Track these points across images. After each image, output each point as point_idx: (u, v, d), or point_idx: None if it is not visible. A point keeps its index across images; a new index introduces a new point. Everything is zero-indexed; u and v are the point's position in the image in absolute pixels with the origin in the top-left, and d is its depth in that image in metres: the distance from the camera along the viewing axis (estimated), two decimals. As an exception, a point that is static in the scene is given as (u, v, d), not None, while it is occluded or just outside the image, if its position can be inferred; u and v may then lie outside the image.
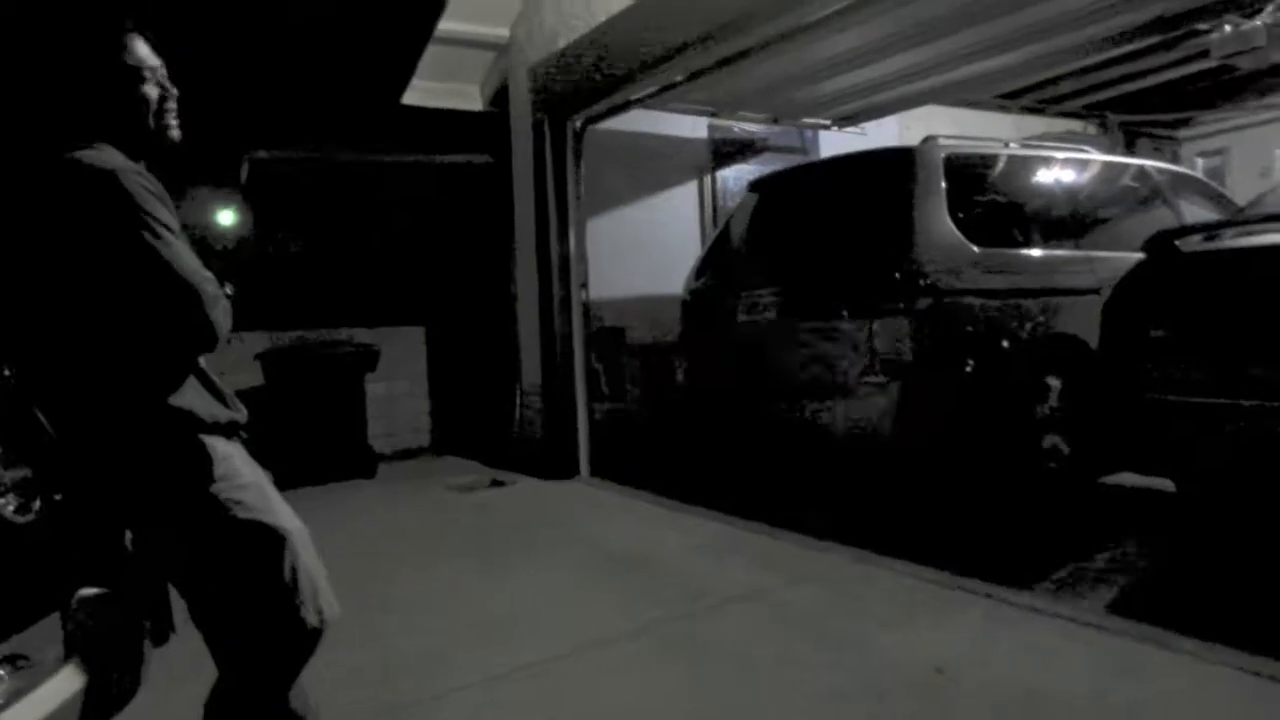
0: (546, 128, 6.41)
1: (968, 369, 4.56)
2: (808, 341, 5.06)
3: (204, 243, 2.24)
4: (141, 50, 1.95)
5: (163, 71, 1.98)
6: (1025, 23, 5.23)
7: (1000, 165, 5.22)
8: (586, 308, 6.53)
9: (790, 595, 3.70)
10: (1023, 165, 5.34)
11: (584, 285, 6.48)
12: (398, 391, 7.76)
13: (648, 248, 7.08)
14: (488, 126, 7.55)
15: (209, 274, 1.84)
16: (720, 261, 5.98)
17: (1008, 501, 4.46)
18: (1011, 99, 8.32)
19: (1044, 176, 5.35)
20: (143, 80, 1.92)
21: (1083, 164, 5.57)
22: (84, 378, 1.83)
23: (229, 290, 1.96)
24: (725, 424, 5.83)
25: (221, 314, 1.83)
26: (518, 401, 7.20)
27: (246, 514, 1.84)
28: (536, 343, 6.68)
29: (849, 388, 4.79)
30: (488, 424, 7.69)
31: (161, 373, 1.83)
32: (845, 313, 4.81)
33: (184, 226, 2.08)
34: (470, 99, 7.59)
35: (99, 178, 1.75)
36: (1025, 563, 3.87)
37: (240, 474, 1.87)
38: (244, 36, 7.06)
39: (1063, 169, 5.43)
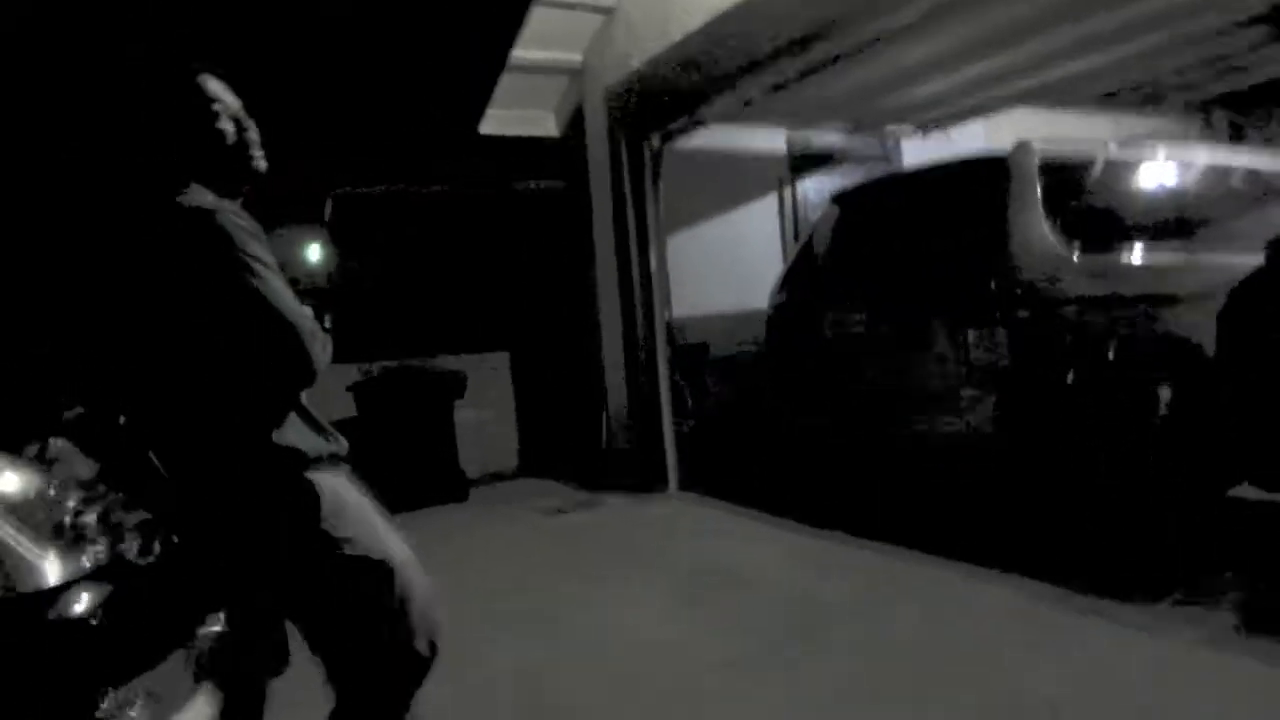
0: (624, 148, 6.43)
1: (1068, 379, 4.38)
2: (900, 354, 4.94)
3: (292, 280, 2.28)
4: (213, 88, 1.99)
5: (238, 107, 2.03)
6: (1123, 20, 5.03)
7: (1098, 167, 5.01)
8: (669, 325, 6.51)
9: (895, 615, 3.60)
10: (1123, 167, 5.11)
11: (666, 303, 6.46)
12: (486, 416, 7.84)
13: (728, 263, 7.03)
14: (564, 151, 7.61)
15: (306, 309, 1.87)
16: (804, 275, 5.90)
17: (1117, 516, 4.26)
18: (1107, 97, 8.01)
19: (1146, 177, 5.12)
20: (217, 116, 1.97)
21: (1188, 164, 5.32)
22: (192, 419, 1.87)
23: (327, 324, 1.98)
24: (812, 436, 5.74)
25: (320, 348, 1.86)
26: (604, 420, 7.20)
27: (354, 550, 1.86)
28: (621, 361, 6.68)
29: (945, 400, 4.66)
30: (576, 444, 7.70)
31: (266, 409, 1.86)
32: (939, 324, 4.69)
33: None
34: (546, 125, 7.65)
35: (197, 218, 1.79)
36: (1141, 580, 3.69)
37: (348, 507, 1.90)
38: (323, 76, 7.27)
39: (1165, 169, 5.20)
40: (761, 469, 6.40)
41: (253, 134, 2.04)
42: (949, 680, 2.98)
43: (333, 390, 6.70)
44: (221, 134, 1.97)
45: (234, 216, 1.82)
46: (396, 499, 6.87)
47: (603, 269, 6.92)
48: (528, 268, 8.34)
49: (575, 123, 7.38)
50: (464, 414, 7.31)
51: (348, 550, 1.86)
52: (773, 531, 5.08)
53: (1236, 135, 9.31)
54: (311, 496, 1.84)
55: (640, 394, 6.49)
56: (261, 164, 2.06)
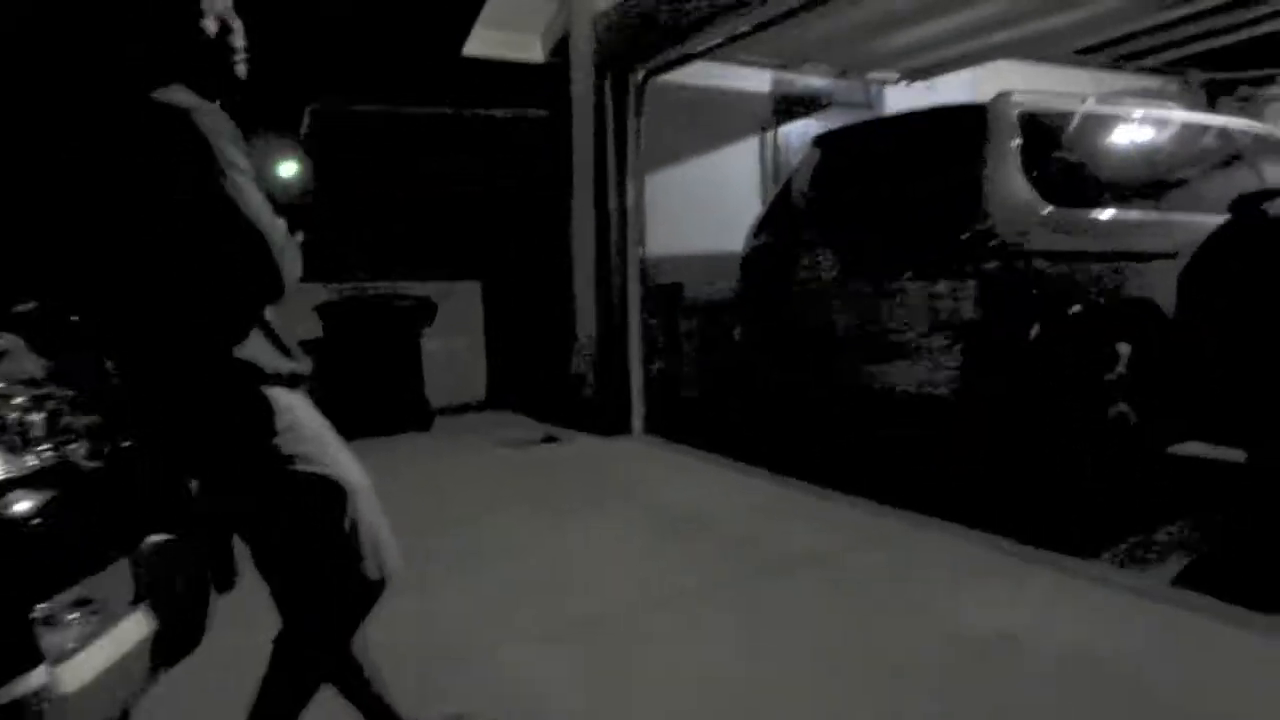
0: (608, 79, 6.32)
1: (1034, 332, 4.43)
2: (871, 301, 4.96)
3: (264, 194, 2.24)
4: None
5: (225, 4, 1.95)
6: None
7: (1076, 122, 5.00)
8: (643, 264, 6.47)
9: (854, 560, 3.66)
10: (1100, 123, 5.11)
11: (641, 241, 6.42)
12: (454, 346, 7.81)
13: (707, 204, 6.98)
14: (549, 78, 7.47)
15: (280, 221, 1.83)
16: (781, 219, 5.87)
17: (1074, 469, 4.35)
18: (1088, 54, 7.97)
19: (1122, 135, 5.13)
20: (201, 14, 1.90)
21: (1163, 122, 5.33)
22: (151, 324, 1.84)
23: (299, 238, 1.95)
24: (782, 383, 5.77)
25: (290, 263, 1.82)
26: (573, 357, 7.19)
27: (308, 467, 1.85)
28: (592, 298, 6.65)
29: (912, 349, 4.70)
30: (544, 379, 7.71)
31: (228, 321, 1.83)
32: (911, 273, 4.70)
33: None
34: (532, 49, 7.50)
35: (173, 116, 1.74)
36: (1091, 531, 3.78)
37: (303, 426, 1.88)
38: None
39: (1142, 127, 5.21)
40: (729, 414, 6.44)
41: (237, 37, 1.97)
42: (903, 615, 3.06)
43: (300, 309, 6.63)
44: (201, 31, 1.90)
45: (212, 116, 1.77)
46: (358, 424, 6.85)
47: (579, 202, 6.85)
48: (505, 197, 8.25)
49: (561, 49, 7.24)
50: (432, 342, 7.27)
51: (299, 467, 1.84)
52: (736, 478, 5.13)
53: (1212, 98, 9.33)
54: (266, 411, 1.81)
55: (610, 331, 6.48)
56: (242, 69, 1.99)
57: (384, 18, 6.94)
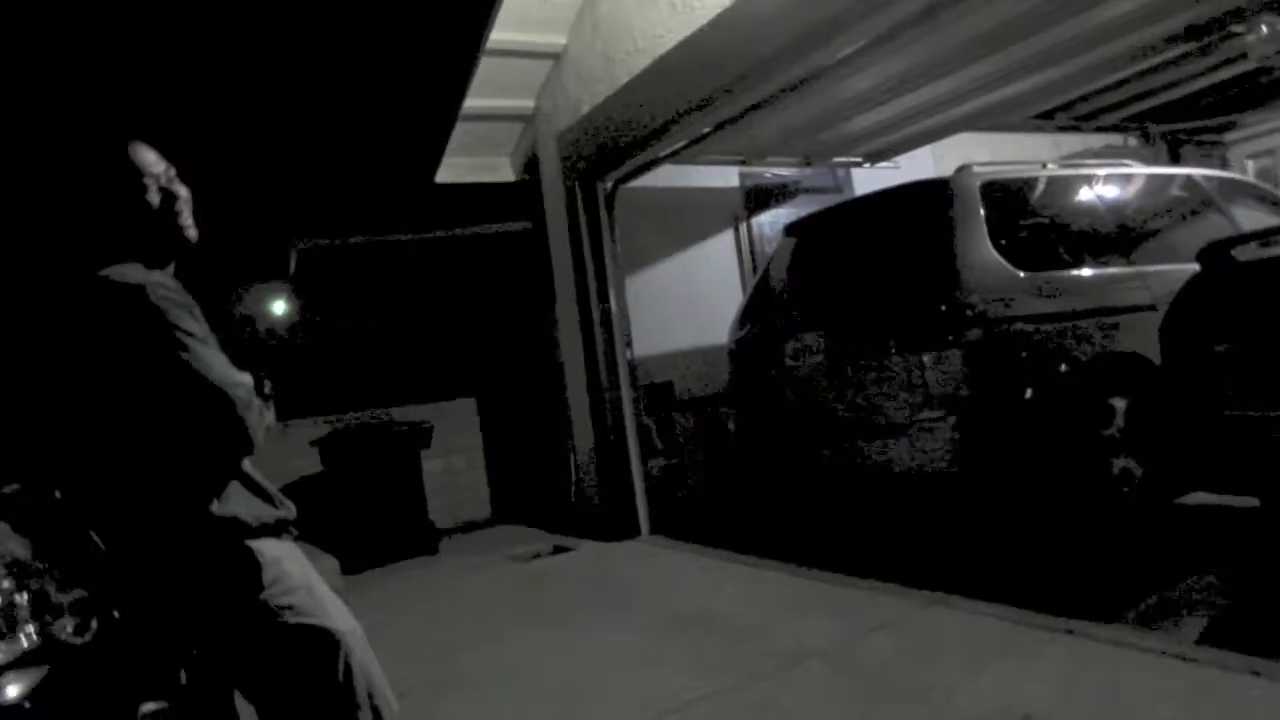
0: (578, 191, 6.47)
1: (1026, 396, 4.43)
2: (859, 382, 4.97)
3: (255, 336, 2.28)
4: (143, 158, 1.97)
5: (170, 174, 2.01)
6: (1052, 43, 5.17)
7: (1040, 187, 5.12)
8: (633, 365, 6.50)
9: (865, 647, 3.57)
10: (1063, 185, 5.22)
11: (628, 343, 6.47)
12: (455, 465, 7.80)
13: (689, 300, 7.06)
14: (523, 194, 7.66)
15: (242, 378, 1.86)
16: (763, 308, 5.93)
17: (1082, 530, 4.29)
18: (1046, 118, 8.20)
19: (1086, 194, 5.23)
20: (144, 189, 1.95)
21: (1126, 178, 5.45)
22: (130, 493, 1.85)
23: (268, 389, 1.98)
24: (781, 471, 5.74)
25: (257, 416, 1.84)
26: (572, 465, 7.17)
27: (297, 618, 1.85)
28: (585, 404, 6.67)
29: (905, 426, 4.69)
30: (546, 490, 7.68)
31: (204, 481, 1.84)
32: (895, 349, 4.72)
33: (240, 320, 2.11)
34: (502, 171, 7.71)
35: (126, 294, 1.78)
36: (1106, 594, 3.71)
37: (290, 577, 1.89)
38: (280, 132, 7.30)
39: (1105, 185, 5.31)
40: (732, 506, 6.38)
41: (183, 203, 2.02)
42: (920, 704, 2.97)
43: (297, 445, 6.64)
44: (148, 205, 1.95)
45: (164, 290, 1.82)
46: (363, 555, 6.84)
47: (563, 311, 6.94)
48: (490, 313, 8.35)
49: (530, 167, 7.44)
50: (432, 463, 7.27)
51: (290, 619, 1.84)
52: (743, 571, 5.05)
53: (1174, 149, 9.55)
54: (252, 565, 1.83)
55: (607, 436, 6.47)
56: (192, 233, 2.04)
57: (358, 157, 7.16)
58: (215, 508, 1.82)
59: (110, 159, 1.96)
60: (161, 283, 1.83)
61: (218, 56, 6.94)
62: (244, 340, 2.19)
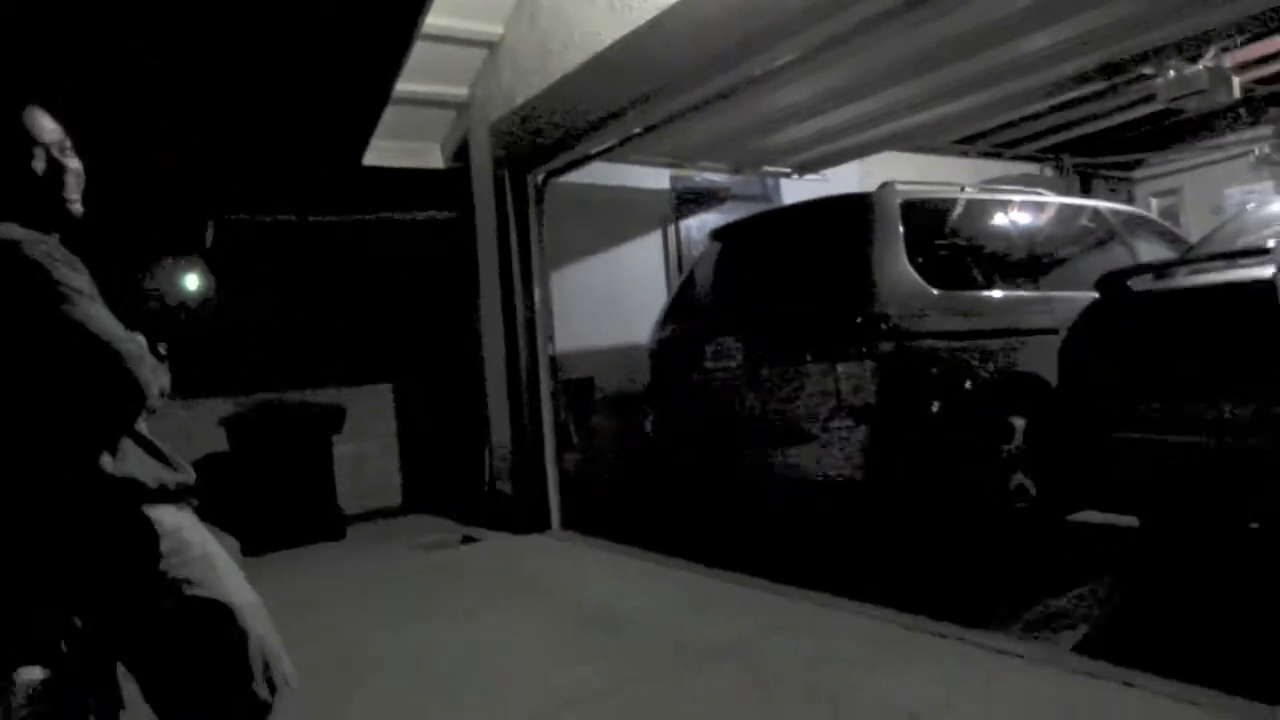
0: (508, 183, 6.44)
1: (933, 410, 4.57)
2: (774, 388, 5.06)
3: (168, 309, 2.24)
4: (37, 123, 1.92)
5: (64, 144, 1.96)
6: (973, 71, 5.35)
7: (957, 209, 5.28)
8: (554, 360, 6.50)
9: (765, 647, 3.63)
10: (979, 208, 5.41)
11: (550, 338, 6.46)
12: (367, 450, 7.69)
13: (614, 298, 7.09)
14: (451, 183, 7.59)
15: (133, 334, 1.83)
16: (686, 310, 5.99)
17: (978, 542, 4.45)
18: (968, 143, 8.47)
19: (1000, 219, 5.42)
20: (30, 155, 1.89)
21: (1038, 206, 5.66)
22: (17, 451, 1.79)
23: (162, 349, 1.94)
24: (694, 472, 5.80)
25: (149, 371, 1.80)
26: (487, 456, 7.13)
27: (194, 590, 1.82)
28: (504, 397, 6.64)
29: (816, 433, 4.79)
30: (458, 480, 7.61)
31: (95, 437, 1.79)
32: (810, 358, 4.82)
33: (151, 293, 2.07)
34: (432, 157, 7.63)
35: (2, 249, 1.74)
36: (995, 604, 3.85)
37: (189, 547, 1.85)
38: (206, 103, 7.10)
39: (1019, 211, 5.51)
40: (645, 505, 6.42)
41: (72, 175, 1.96)
42: (817, 702, 3.04)
43: (205, 423, 6.46)
44: (30, 170, 1.89)
45: (44, 245, 1.77)
46: (268, 538, 6.70)
47: (487, 302, 6.90)
48: (415, 299, 8.25)
49: (461, 155, 7.37)
50: (345, 448, 7.15)
51: (186, 590, 1.81)
52: (652, 569, 5.09)
53: (1085, 182, 9.96)
54: (150, 534, 1.78)
55: (523, 430, 6.46)
56: (76, 208, 1.98)
57: (284, 133, 7.01)
58: (110, 466, 1.77)
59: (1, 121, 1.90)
60: (41, 239, 1.78)
61: (135, 23, 6.74)
62: (148, 311, 2.15)
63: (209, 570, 1.86)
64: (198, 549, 1.86)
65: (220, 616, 1.83)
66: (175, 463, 1.92)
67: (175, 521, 1.84)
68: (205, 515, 2.02)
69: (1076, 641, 3.46)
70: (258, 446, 6.56)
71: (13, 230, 1.78)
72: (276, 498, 6.51)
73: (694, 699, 3.19)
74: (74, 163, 1.97)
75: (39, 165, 1.91)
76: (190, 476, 1.93)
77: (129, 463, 1.81)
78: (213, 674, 1.84)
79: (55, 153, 1.93)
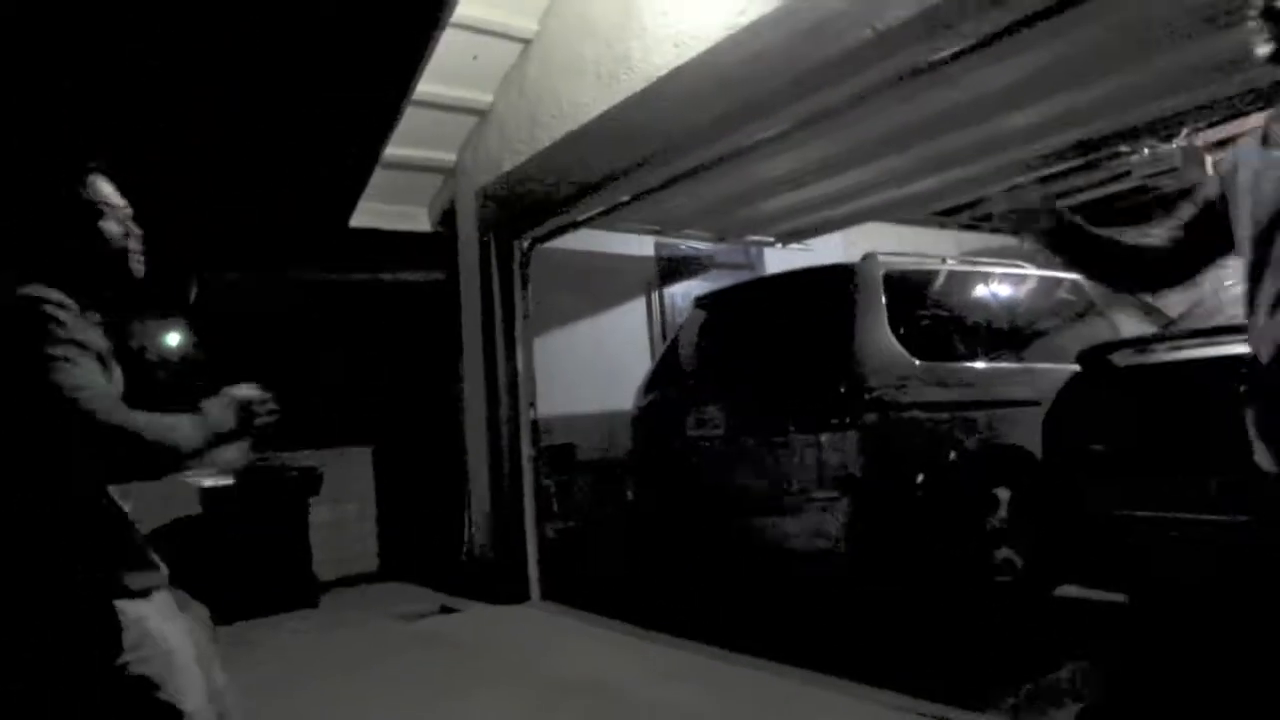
0: (493, 248, 6.46)
1: (916, 482, 4.55)
2: (756, 457, 5.04)
3: (147, 364, 2.24)
4: (104, 189, 1.98)
5: (127, 211, 2.02)
6: (952, 148, 5.45)
7: (939, 280, 5.33)
8: (535, 426, 6.45)
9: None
10: (961, 280, 5.46)
11: (532, 404, 6.42)
12: (345, 515, 7.55)
13: (597, 364, 7.09)
14: (436, 247, 7.61)
15: (112, 391, 1.81)
16: (669, 377, 5.99)
17: (962, 616, 4.38)
18: (950, 215, 8.59)
19: (982, 290, 5.47)
20: (101, 216, 1.95)
21: (1019, 278, 5.72)
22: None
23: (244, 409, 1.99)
24: (676, 541, 5.74)
25: (175, 433, 1.79)
26: (467, 523, 7.03)
27: (151, 692, 1.78)
28: (485, 463, 6.57)
29: (799, 503, 4.75)
30: (438, 547, 7.48)
31: (75, 518, 1.78)
32: (793, 427, 4.81)
33: (135, 349, 2.05)
34: (418, 220, 7.66)
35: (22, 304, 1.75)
36: (982, 681, 3.78)
37: (151, 642, 1.80)
38: (192, 160, 7.14)
39: (1000, 283, 5.57)
40: (627, 575, 6.32)
41: (135, 243, 2.02)
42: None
43: (180, 488, 6.34)
44: (102, 234, 1.95)
45: (63, 305, 1.78)
46: (238, 605, 6.48)
47: (469, 366, 6.86)
48: (397, 361, 8.20)
49: (447, 220, 7.41)
50: (321, 511, 7.00)
51: (143, 689, 1.77)
52: (634, 643, 4.98)
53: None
54: (114, 626, 1.75)
55: (504, 496, 6.37)
56: (139, 269, 2.04)
57: (269, 194, 7.04)
58: (80, 564, 1.75)
59: (74, 184, 1.95)
60: (61, 299, 1.79)
61: (124, 74, 6.79)
62: (135, 368, 2.12)
63: (167, 670, 1.82)
64: (160, 644, 1.82)
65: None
66: (151, 560, 1.90)
67: (139, 612, 1.80)
68: (175, 580, 1.98)
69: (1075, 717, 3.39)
70: (232, 510, 6.43)
71: (38, 289, 1.79)
72: (249, 563, 6.36)
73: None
74: (138, 230, 2.04)
75: (113, 227, 1.97)
76: (163, 578, 1.91)
77: (104, 553, 1.80)
78: None
79: (122, 217, 2.00)
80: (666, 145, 4.97)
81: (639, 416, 6.01)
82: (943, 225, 8.89)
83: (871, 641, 4.41)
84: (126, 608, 1.78)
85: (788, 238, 7.77)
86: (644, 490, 6.17)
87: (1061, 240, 2.30)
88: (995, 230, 9.24)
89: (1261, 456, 1.92)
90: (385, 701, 4.22)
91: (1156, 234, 2.25)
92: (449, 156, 7.00)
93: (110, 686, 1.74)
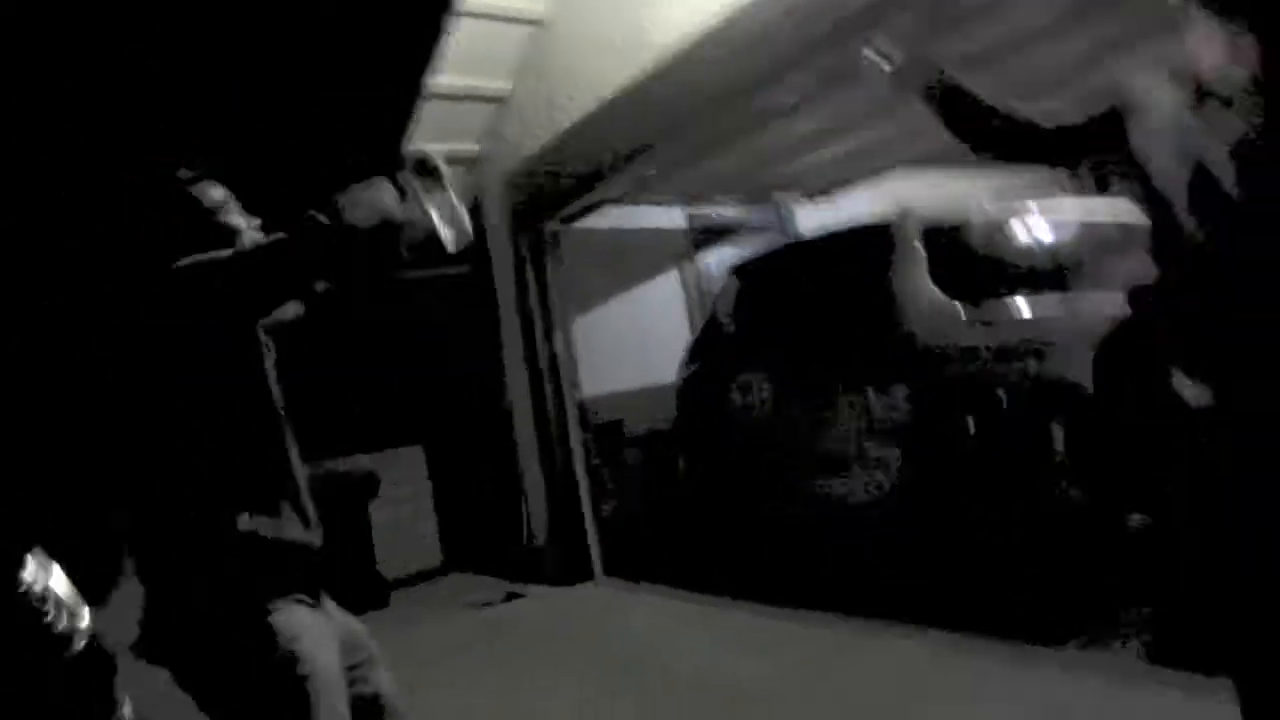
0: (523, 233, 6.48)
1: (970, 429, 4.51)
2: (804, 418, 5.02)
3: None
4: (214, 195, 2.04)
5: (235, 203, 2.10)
6: (986, 86, 5.32)
7: (978, 225, 5.24)
8: (581, 406, 6.48)
9: (822, 684, 3.56)
10: (998, 223, 5.36)
11: (576, 384, 6.45)
12: (403, 515, 7.65)
13: (636, 340, 7.10)
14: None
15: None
16: (710, 347, 5.99)
17: (1029, 554, 4.35)
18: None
19: (1021, 231, 5.37)
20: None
21: (1057, 212, 5.60)
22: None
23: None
24: (731, 508, 5.75)
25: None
26: (524, 510, 7.09)
27: (302, 678, 1.78)
28: (535, 447, 6.62)
29: (852, 460, 4.74)
30: (497, 536, 7.56)
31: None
32: (841, 386, 4.79)
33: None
34: (447, 215, 7.67)
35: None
36: (1057, 617, 3.75)
37: (300, 663, 1.79)
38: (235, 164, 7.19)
39: (1038, 219, 5.46)
40: (684, 545, 6.36)
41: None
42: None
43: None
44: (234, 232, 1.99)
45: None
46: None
47: (510, 354, 6.90)
48: (439, 357, 8.26)
49: (474, 211, 7.42)
50: (381, 513, 7.12)
51: (297, 678, 1.77)
52: (698, 611, 5.02)
53: (1101, 181, 9.86)
54: (270, 643, 1.75)
55: (557, 479, 6.43)
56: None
57: (296, 199, 7.07)
58: (242, 521, 1.76)
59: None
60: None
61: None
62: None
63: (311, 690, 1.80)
64: (314, 660, 1.81)
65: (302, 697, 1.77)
66: (310, 519, 1.92)
67: (293, 630, 1.79)
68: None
69: (1146, 649, 3.36)
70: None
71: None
72: (318, 573, 6.48)
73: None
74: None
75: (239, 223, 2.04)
76: (318, 536, 1.94)
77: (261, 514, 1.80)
78: None
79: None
80: (688, 115, 4.92)
81: (683, 388, 6.02)
82: (973, 166, 8.72)
83: (941, 591, 4.40)
84: (282, 622, 1.78)
85: (818, 194, 7.69)
86: (694, 461, 6.19)
87: (939, 99, 2.33)
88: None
89: (1185, 388, 1.92)
90: (463, 689, 4.30)
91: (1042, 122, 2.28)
92: (472, 147, 7.00)
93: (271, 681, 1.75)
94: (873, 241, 4.92)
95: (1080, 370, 4.37)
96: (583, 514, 6.34)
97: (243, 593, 1.76)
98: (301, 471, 1.94)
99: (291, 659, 1.77)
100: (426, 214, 1.84)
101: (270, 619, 1.76)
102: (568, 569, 6.28)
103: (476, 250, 7.25)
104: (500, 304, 6.96)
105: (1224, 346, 1.92)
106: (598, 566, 6.31)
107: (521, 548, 7.07)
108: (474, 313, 7.54)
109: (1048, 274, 5.16)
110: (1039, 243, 5.35)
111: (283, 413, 1.95)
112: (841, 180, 7.38)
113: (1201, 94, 1.91)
